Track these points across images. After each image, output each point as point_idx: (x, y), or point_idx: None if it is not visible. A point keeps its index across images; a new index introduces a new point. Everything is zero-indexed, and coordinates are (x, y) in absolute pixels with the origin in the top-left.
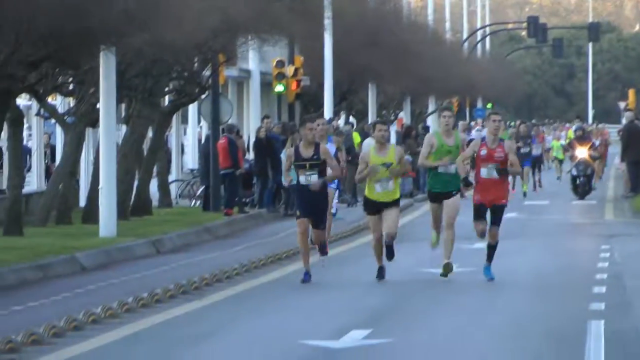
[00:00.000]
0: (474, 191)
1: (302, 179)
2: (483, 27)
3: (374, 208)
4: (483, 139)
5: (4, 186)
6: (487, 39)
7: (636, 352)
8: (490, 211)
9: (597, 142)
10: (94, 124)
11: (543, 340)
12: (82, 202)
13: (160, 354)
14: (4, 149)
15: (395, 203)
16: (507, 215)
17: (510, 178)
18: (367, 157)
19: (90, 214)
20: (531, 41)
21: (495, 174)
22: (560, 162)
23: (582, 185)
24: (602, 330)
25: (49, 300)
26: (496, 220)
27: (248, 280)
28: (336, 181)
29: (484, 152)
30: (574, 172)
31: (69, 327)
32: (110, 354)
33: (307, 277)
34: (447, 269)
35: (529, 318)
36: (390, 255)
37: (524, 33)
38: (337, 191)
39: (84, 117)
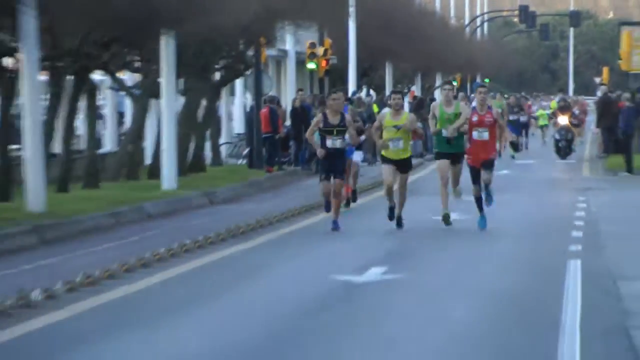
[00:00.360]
0: (467, 152)
1: (329, 143)
2: (482, 14)
3: (389, 161)
4: (474, 108)
5: (83, 147)
6: (486, 25)
7: (608, 286)
8: (482, 166)
9: (577, 112)
10: (157, 95)
11: (530, 276)
12: (148, 161)
13: (214, 288)
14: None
15: (406, 163)
16: (501, 172)
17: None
18: (382, 118)
19: (155, 170)
20: (522, 26)
21: (485, 136)
22: (543, 128)
23: (564, 147)
24: (579, 268)
25: (121, 242)
26: (487, 167)
27: (287, 226)
28: (362, 154)
29: (475, 118)
30: (557, 137)
31: (139, 264)
32: (180, 281)
33: (335, 226)
34: (447, 217)
35: (517, 259)
36: (399, 223)
37: (516, 19)
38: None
39: (148, 90)
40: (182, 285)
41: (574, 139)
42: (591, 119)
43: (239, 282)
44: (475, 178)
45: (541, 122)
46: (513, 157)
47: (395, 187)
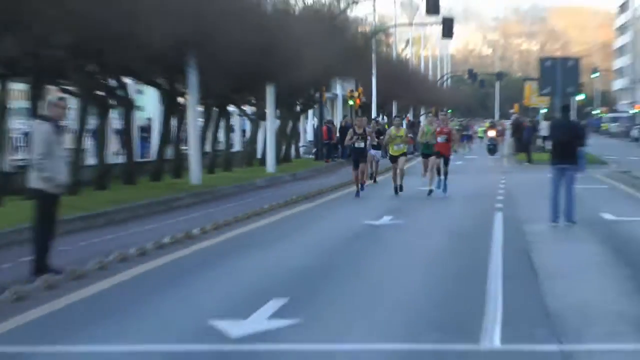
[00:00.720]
0: (435, 147)
1: (356, 144)
2: (446, 74)
3: (393, 159)
4: (439, 124)
5: (221, 147)
6: (449, 80)
7: (517, 227)
8: (442, 162)
9: (500, 128)
10: (264, 119)
11: (475, 220)
12: (258, 156)
13: (294, 229)
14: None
15: (404, 154)
16: (456, 162)
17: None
18: (390, 132)
19: (262, 161)
20: (469, 81)
21: (444, 140)
22: (481, 138)
23: (492, 149)
24: (501, 216)
25: (242, 202)
26: (446, 163)
27: (335, 193)
28: (380, 151)
29: (439, 129)
30: (488, 143)
31: (255, 213)
32: (276, 225)
33: (358, 194)
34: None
35: (467, 212)
36: (400, 189)
37: (466, 76)
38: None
39: (259, 116)
40: (275, 227)
41: (498, 144)
42: (508, 132)
43: (308, 225)
44: (433, 169)
45: (480, 135)
46: (455, 151)
47: (397, 171)
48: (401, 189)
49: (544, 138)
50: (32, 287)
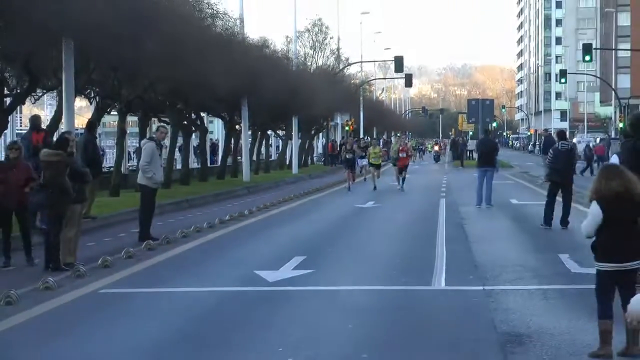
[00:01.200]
0: (397, 162)
1: (347, 155)
2: (408, 109)
3: (373, 166)
4: (401, 143)
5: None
6: (410, 114)
7: (455, 209)
8: (403, 168)
9: (442, 145)
10: (291, 138)
11: (427, 205)
12: (287, 162)
13: (306, 212)
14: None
15: (379, 166)
16: (414, 167)
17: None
18: (369, 150)
19: (289, 166)
20: (422, 114)
21: (404, 155)
22: (430, 151)
23: (436, 158)
24: (444, 202)
25: (277, 192)
26: (405, 169)
27: (336, 187)
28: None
29: (400, 148)
30: (434, 154)
31: (288, 199)
32: (295, 209)
33: (349, 189)
34: (402, 188)
35: (420, 199)
36: (374, 188)
37: (421, 112)
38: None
39: (287, 136)
40: (297, 209)
41: (440, 155)
42: (447, 147)
43: (318, 207)
44: (400, 173)
45: (429, 149)
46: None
47: (374, 175)
48: (375, 188)
49: (471, 151)
50: (137, 249)
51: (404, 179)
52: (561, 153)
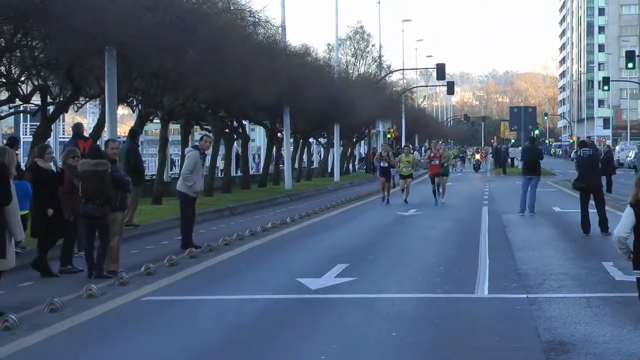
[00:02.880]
0: (429, 170)
1: (382, 164)
2: (450, 117)
3: (403, 177)
4: (431, 150)
5: (304, 165)
6: (452, 121)
7: (497, 216)
8: (435, 176)
9: (484, 153)
10: (332, 146)
11: (469, 213)
12: (329, 170)
13: (350, 218)
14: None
15: (410, 176)
16: (455, 175)
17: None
18: (401, 157)
19: (331, 174)
20: (464, 122)
21: (437, 162)
22: (469, 159)
23: (476, 167)
24: (487, 209)
25: (319, 200)
26: (441, 178)
27: (378, 196)
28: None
29: (432, 154)
30: (474, 163)
31: (330, 206)
32: (338, 216)
33: (383, 201)
34: (437, 202)
35: (463, 205)
36: (405, 202)
37: (463, 119)
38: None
39: (329, 144)
40: (339, 217)
41: (481, 163)
42: (490, 155)
43: (361, 215)
44: (433, 181)
45: (469, 156)
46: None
47: (403, 185)
48: (406, 202)
49: (513, 158)
50: (180, 257)
51: (441, 192)
52: (583, 159)
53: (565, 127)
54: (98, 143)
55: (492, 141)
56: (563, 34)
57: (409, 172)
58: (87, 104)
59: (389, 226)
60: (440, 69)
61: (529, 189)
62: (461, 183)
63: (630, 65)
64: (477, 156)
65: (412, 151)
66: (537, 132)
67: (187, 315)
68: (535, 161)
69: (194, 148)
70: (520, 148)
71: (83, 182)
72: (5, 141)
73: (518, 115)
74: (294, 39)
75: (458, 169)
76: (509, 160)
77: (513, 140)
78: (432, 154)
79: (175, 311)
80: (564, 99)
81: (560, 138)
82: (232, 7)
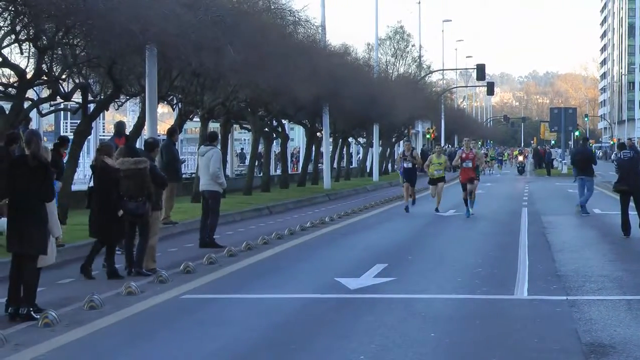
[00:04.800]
0: (460, 174)
1: (405, 164)
2: (490, 117)
3: (433, 182)
4: (462, 150)
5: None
6: (491, 122)
7: (537, 218)
8: (468, 182)
9: (525, 154)
10: (372, 146)
11: (508, 215)
12: (367, 170)
13: (378, 222)
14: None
15: (441, 179)
16: (494, 176)
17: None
18: (431, 158)
19: (370, 174)
20: (504, 122)
21: (469, 165)
22: (506, 161)
23: (521, 170)
24: (526, 210)
25: (357, 200)
26: (473, 184)
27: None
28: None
29: (464, 155)
30: (517, 165)
31: (369, 206)
32: (376, 215)
33: (407, 208)
34: (469, 213)
35: (502, 207)
36: (436, 210)
37: (502, 120)
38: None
39: (368, 144)
40: (379, 216)
41: (525, 166)
42: (530, 155)
43: (400, 215)
44: (464, 189)
45: (505, 158)
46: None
47: (434, 192)
48: (437, 210)
49: (553, 160)
50: (219, 255)
51: (472, 201)
52: (624, 162)
53: (605, 128)
54: (138, 142)
55: (532, 142)
56: (604, 35)
57: (441, 175)
58: (128, 102)
59: (428, 226)
60: (480, 70)
61: (585, 190)
62: (501, 184)
63: None
64: (520, 158)
65: (444, 151)
66: (577, 133)
67: (225, 314)
68: (586, 162)
69: (212, 146)
70: (558, 149)
71: (124, 181)
72: (56, 140)
73: (558, 116)
74: (334, 39)
75: (495, 172)
76: (553, 161)
77: (553, 142)
78: (463, 155)
79: (214, 309)
80: (604, 100)
81: (600, 140)
82: (272, 7)
